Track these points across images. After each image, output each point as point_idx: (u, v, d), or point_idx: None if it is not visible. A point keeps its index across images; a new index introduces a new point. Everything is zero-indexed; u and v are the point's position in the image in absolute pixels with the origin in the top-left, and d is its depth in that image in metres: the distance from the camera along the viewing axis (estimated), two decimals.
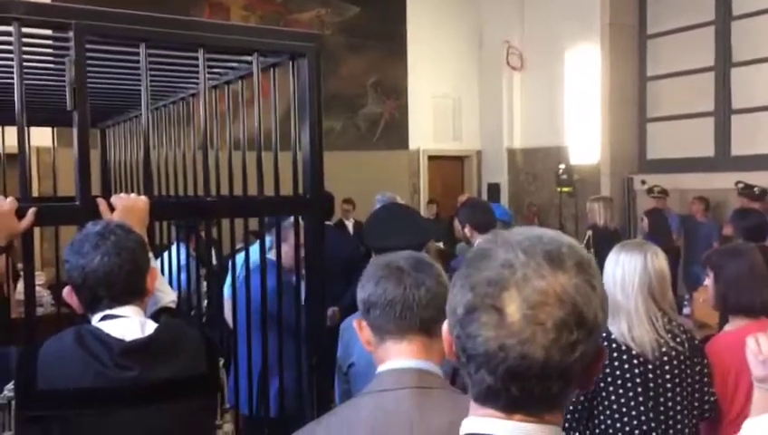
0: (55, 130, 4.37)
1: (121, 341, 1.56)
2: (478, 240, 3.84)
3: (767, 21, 7.97)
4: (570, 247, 0.84)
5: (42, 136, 5.53)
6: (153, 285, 1.72)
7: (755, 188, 7.06)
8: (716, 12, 8.53)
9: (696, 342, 2.37)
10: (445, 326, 0.89)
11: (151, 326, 1.63)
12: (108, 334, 1.56)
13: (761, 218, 5.09)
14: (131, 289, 1.64)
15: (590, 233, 6.01)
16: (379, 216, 2.59)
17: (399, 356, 1.41)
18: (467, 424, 0.86)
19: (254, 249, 2.66)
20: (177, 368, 1.62)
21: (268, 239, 2.65)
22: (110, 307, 1.62)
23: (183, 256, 3.20)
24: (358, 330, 1.49)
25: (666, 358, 2.26)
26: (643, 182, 8.46)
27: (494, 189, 10.99)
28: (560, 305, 0.79)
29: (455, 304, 0.84)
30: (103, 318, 1.61)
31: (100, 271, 1.58)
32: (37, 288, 4.67)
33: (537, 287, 0.80)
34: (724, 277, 2.40)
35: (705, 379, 2.33)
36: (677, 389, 2.27)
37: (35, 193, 7.10)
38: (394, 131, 10.71)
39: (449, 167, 11.39)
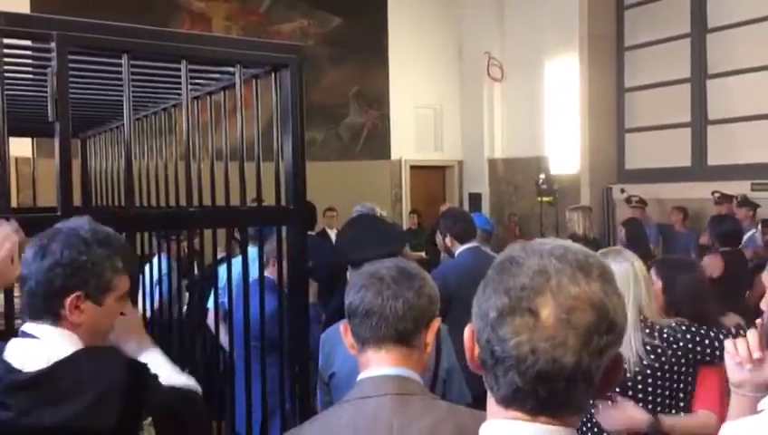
0: (35, 140, 4.34)
1: (13, 372, 1.34)
2: (459, 249, 3.89)
3: (742, 33, 8.13)
4: (594, 257, 0.88)
5: (21, 146, 5.50)
6: (73, 310, 1.41)
7: (737, 196, 7.16)
8: (692, 24, 8.69)
9: (683, 345, 2.27)
10: (467, 333, 0.91)
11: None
12: (4, 360, 1.36)
13: (736, 225, 5.19)
14: (47, 306, 1.41)
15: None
16: (350, 228, 2.61)
17: (379, 364, 1.43)
18: (490, 426, 0.88)
19: (237, 261, 2.66)
20: (67, 415, 1.30)
21: (251, 250, 2.66)
22: (30, 320, 1.42)
23: (165, 267, 3.19)
24: (343, 334, 1.51)
25: (639, 377, 2.23)
26: (622, 191, 8.57)
27: (475, 199, 11.06)
28: (592, 311, 0.83)
29: (485, 309, 0.86)
30: (21, 334, 1.42)
31: (31, 277, 1.41)
32: (16, 300, 4.61)
33: (571, 293, 0.83)
34: (677, 288, 2.43)
35: (682, 393, 2.28)
36: (649, 406, 2.24)
37: (14, 203, 7.04)
38: (376, 141, 10.76)
39: (431, 176, 11.45)
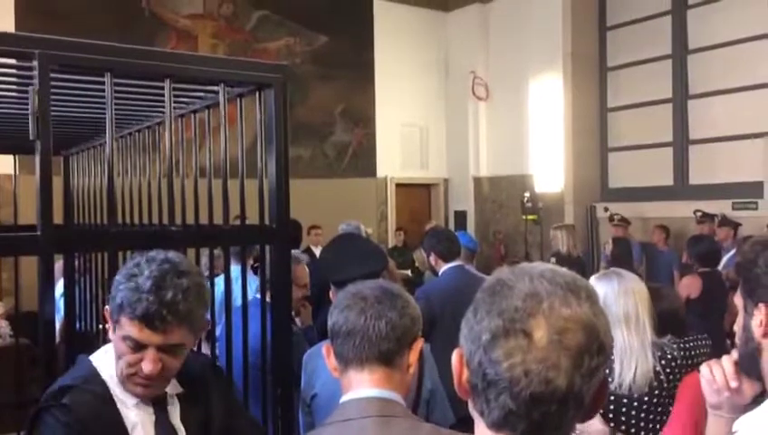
0: (17, 157, 4.31)
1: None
2: (444, 268, 3.89)
3: (722, 55, 8.28)
4: (581, 280, 0.89)
5: (2, 163, 5.46)
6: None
7: (717, 216, 7.24)
8: (673, 45, 8.83)
9: (679, 362, 2.30)
10: (455, 357, 0.90)
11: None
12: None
13: (713, 245, 5.23)
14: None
15: (553, 260, 6.10)
16: (332, 247, 2.60)
17: (362, 386, 1.42)
18: None
19: (220, 280, 2.64)
20: None
21: (234, 269, 2.63)
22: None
23: None
24: (326, 355, 1.50)
25: (646, 397, 2.23)
26: (606, 209, 8.64)
27: (460, 217, 11.10)
28: (583, 332, 0.84)
29: (478, 332, 0.86)
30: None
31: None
32: None
33: (563, 314, 0.84)
34: (657, 315, 2.45)
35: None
36: (643, 423, 2.25)
37: None
38: (362, 159, 10.78)
39: (417, 194, 11.48)
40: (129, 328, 1.43)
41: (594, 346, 0.84)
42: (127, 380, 1.48)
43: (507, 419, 0.85)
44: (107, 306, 1.53)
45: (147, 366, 1.43)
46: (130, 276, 1.44)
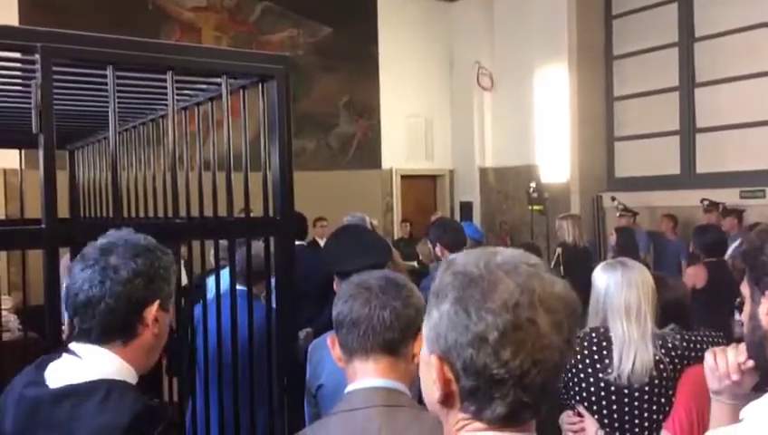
0: (23, 151, 4.32)
1: (44, 387, 1.34)
2: None
3: (728, 42, 8.21)
4: (523, 253, 0.90)
5: (9, 158, 5.48)
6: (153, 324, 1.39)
7: (720, 205, 7.22)
8: (680, 33, 8.77)
9: (680, 353, 2.28)
10: (436, 366, 0.86)
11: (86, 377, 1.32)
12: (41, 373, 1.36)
13: (719, 235, 5.19)
14: (126, 322, 1.37)
15: (559, 250, 6.09)
16: (336, 239, 2.60)
17: (367, 375, 1.42)
18: None
19: (225, 273, 2.64)
20: None
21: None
22: (77, 341, 1.38)
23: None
24: (331, 346, 1.51)
25: (647, 387, 2.22)
26: (613, 199, 8.60)
27: (466, 208, 11.08)
28: (572, 310, 0.87)
29: (483, 332, 0.82)
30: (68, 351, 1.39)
31: (80, 297, 1.36)
32: (3, 313, 4.58)
33: (554, 293, 0.85)
34: (662, 305, 2.43)
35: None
36: (645, 414, 2.24)
37: (2, 215, 7.00)
38: (367, 151, 10.77)
39: (422, 186, 11.46)
40: None
41: (574, 320, 0.87)
42: None
43: (516, 410, 0.84)
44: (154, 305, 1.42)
45: None
46: None
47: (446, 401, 0.87)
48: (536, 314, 0.82)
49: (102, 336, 1.36)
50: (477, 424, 0.87)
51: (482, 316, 0.82)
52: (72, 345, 1.38)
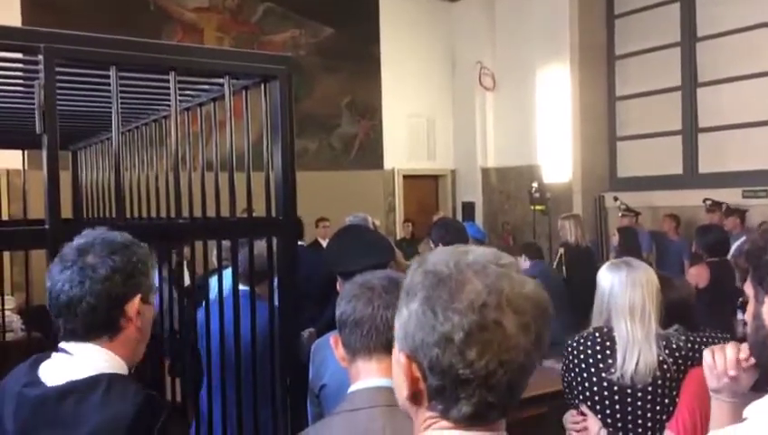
0: (26, 152, 4.33)
1: (43, 385, 1.36)
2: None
3: (730, 42, 8.20)
4: (495, 251, 0.90)
5: (12, 158, 5.48)
6: (136, 318, 1.42)
7: (722, 205, 7.21)
8: (682, 33, 8.76)
9: (684, 353, 2.26)
10: (405, 363, 0.87)
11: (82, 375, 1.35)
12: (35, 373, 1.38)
13: (721, 235, 5.19)
14: (108, 319, 1.39)
15: (562, 250, 6.08)
16: (338, 239, 2.60)
17: (370, 375, 1.42)
18: None
19: (228, 273, 2.64)
20: None
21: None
22: (66, 340, 1.41)
23: (156, 279, 3.17)
24: (334, 346, 1.51)
25: (650, 387, 2.21)
26: (615, 199, 8.59)
27: (468, 208, 11.08)
28: (541, 311, 0.85)
29: (446, 332, 0.82)
30: (59, 350, 1.41)
31: (62, 298, 1.38)
32: (7, 313, 4.59)
33: (522, 294, 0.84)
34: (666, 305, 2.43)
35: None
36: (648, 414, 2.23)
37: (5, 216, 7.01)
38: (369, 151, 10.77)
39: (424, 186, 11.46)
40: None
41: (546, 321, 0.86)
42: None
43: (482, 411, 0.84)
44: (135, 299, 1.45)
45: None
46: None
47: (415, 399, 0.88)
48: (503, 316, 0.82)
49: (88, 334, 1.40)
50: (444, 423, 0.87)
51: (448, 316, 0.82)
52: (62, 344, 1.42)
